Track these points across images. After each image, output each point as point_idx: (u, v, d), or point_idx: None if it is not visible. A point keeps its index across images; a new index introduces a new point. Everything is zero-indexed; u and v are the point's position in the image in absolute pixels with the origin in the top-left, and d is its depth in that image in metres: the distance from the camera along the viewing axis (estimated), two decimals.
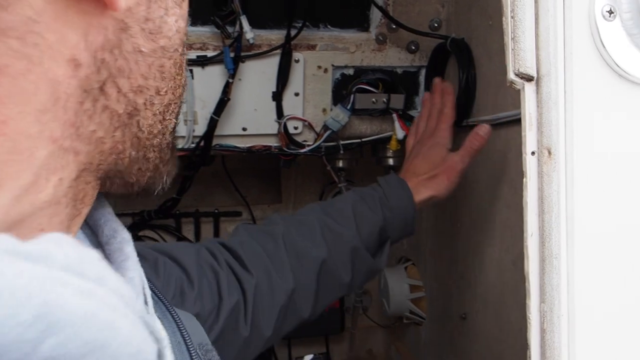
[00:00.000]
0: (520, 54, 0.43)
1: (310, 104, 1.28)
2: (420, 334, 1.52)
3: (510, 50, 0.43)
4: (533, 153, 0.44)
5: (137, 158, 0.39)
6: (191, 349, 0.44)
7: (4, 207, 0.29)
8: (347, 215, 0.99)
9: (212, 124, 1.22)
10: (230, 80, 1.18)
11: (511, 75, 0.43)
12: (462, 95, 1.15)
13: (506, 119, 0.99)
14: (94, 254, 0.29)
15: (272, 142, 1.29)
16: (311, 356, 1.74)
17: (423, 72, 1.32)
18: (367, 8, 1.25)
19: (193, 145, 1.25)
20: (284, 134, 1.27)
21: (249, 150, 1.28)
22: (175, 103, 0.41)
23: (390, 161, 1.45)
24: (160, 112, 0.39)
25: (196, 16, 1.18)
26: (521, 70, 0.43)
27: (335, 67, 1.27)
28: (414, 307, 1.51)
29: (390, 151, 1.38)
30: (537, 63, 0.43)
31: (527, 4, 0.42)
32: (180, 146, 1.25)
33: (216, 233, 1.70)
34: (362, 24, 1.27)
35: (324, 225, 0.97)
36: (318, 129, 1.29)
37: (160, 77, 0.37)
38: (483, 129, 1.01)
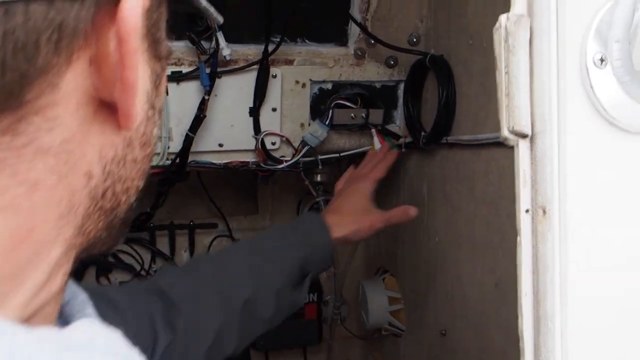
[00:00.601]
0: (515, 112, 0.42)
1: (288, 119, 1.26)
2: (399, 345, 1.52)
3: (504, 106, 0.42)
4: (527, 211, 0.43)
5: (105, 237, 0.44)
6: None
7: (23, 304, 0.33)
8: (271, 254, 1.02)
9: (188, 141, 1.19)
10: (207, 97, 1.16)
11: (505, 132, 0.42)
12: (442, 112, 1.14)
13: (486, 141, 0.98)
14: (117, 334, 0.35)
15: (250, 158, 1.27)
16: None
17: (402, 86, 1.31)
18: (346, 23, 1.24)
19: (168, 162, 1.22)
20: (262, 150, 1.25)
21: (226, 166, 1.26)
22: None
23: None
24: (133, 202, 0.45)
25: (171, 31, 1.14)
26: (516, 128, 0.42)
27: (313, 82, 1.26)
28: (393, 319, 1.51)
29: None
30: (532, 120, 0.42)
31: (522, 59, 0.41)
32: (155, 163, 1.22)
33: (191, 245, 1.67)
34: (341, 39, 1.25)
35: (249, 265, 1.00)
36: (296, 144, 1.27)
37: (142, 178, 0.43)
38: (413, 211, 1.14)
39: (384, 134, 1.29)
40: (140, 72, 0.37)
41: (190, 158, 1.24)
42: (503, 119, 0.42)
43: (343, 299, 1.75)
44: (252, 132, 1.24)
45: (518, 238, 0.43)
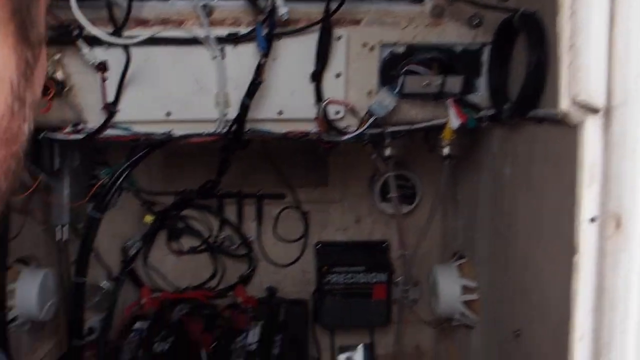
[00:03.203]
0: (582, 74, 0.28)
1: (354, 86, 1.15)
2: (471, 339, 1.38)
3: (565, 66, 0.29)
4: (593, 220, 0.30)
5: None
6: None
7: None
8: None
9: (244, 107, 1.11)
10: (263, 61, 1.07)
11: (565, 104, 0.29)
12: (530, 79, 0.98)
13: None
14: None
15: (311, 128, 1.17)
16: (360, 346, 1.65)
17: (486, 50, 1.14)
18: None
19: (225, 130, 1.15)
20: (324, 119, 1.15)
21: (285, 136, 1.17)
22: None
23: (446, 150, 1.30)
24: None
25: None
26: (581, 98, 0.29)
27: (384, 45, 1.12)
28: (466, 309, 1.37)
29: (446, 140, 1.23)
30: (609, 88, 0.29)
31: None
32: (212, 130, 1.16)
33: (259, 215, 1.62)
34: None
35: None
36: (362, 114, 1.15)
37: (8, 179, 0.39)
38: None
39: (463, 105, 1.14)
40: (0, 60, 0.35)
41: (249, 126, 1.16)
42: (562, 85, 0.29)
43: (415, 281, 1.63)
44: (313, 99, 1.14)
45: (575, 257, 0.30)
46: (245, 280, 1.63)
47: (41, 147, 1.30)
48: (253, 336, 1.38)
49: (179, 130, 1.17)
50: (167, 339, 1.33)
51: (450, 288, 1.37)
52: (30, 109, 0.40)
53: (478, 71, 1.16)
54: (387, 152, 1.27)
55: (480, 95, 1.16)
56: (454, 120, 1.12)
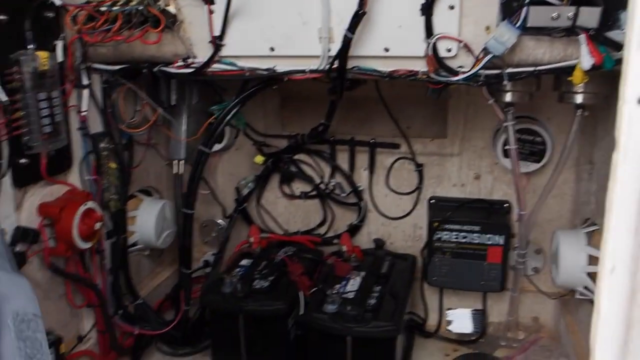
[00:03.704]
0: None
1: (469, 20, 1.03)
2: None
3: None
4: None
5: None
6: None
7: None
8: None
9: (346, 42, 1.05)
10: None
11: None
12: None
13: None
14: None
15: (420, 67, 1.08)
16: (468, 311, 1.56)
17: None
18: None
19: (327, 67, 1.10)
20: (434, 57, 1.04)
21: (391, 75, 1.09)
22: None
23: (578, 98, 1.13)
24: None
25: None
26: None
27: None
28: (591, 282, 1.21)
29: (579, 86, 1.07)
30: None
31: None
32: (314, 67, 1.12)
33: (371, 164, 1.56)
34: None
35: None
36: (478, 52, 1.03)
37: None
38: None
39: (600, 42, 0.96)
40: None
41: (353, 63, 1.10)
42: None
43: (537, 249, 1.48)
44: (423, 35, 1.04)
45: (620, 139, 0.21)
46: (353, 229, 1.60)
47: (159, 83, 1.35)
48: (352, 285, 1.35)
49: (282, 67, 1.14)
50: (267, 278, 1.35)
51: (573, 256, 1.22)
52: None
53: (623, 1, 0.97)
54: (507, 97, 1.14)
55: (623, 31, 0.98)
56: (586, 60, 0.95)
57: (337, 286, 1.34)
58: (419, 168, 1.53)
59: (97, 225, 1.18)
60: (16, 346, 0.44)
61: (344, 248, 1.50)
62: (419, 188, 1.55)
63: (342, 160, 1.59)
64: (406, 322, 1.43)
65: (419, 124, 1.52)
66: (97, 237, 1.23)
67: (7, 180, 1.05)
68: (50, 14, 1.11)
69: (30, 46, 1.06)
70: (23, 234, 1.07)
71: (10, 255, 0.80)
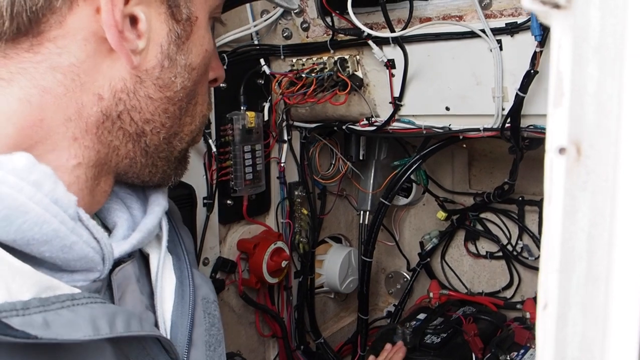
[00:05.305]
0: None
1: None
2: None
3: None
4: (561, 151, 0.21)
5: (147, 164, 0.56)
6: (191, 296, 0.59)
7: (31, 159, 0.45)
8: None
9: (518, 100, 1.05)
10: (538, 50, 0.99)
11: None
12: None
13: None
14: (46, 169, 0.44)
15: None
16: None
17: None
18: None
19: (500, 125, 1.11)
20: None
21: None
22: (184, 133, 0.58)
23: None
24: (165, 138, 0.55)
25: None
26: None
27: None
28: None
29: None
30: None
31: None
32: (488, 125, 1.13)
33: None
34: None
35: None
36: None
37: (164, 116, 0.54)
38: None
39: None
40: (154, 29, 0.50)
41: (528, 122, 1.09)
42: None
43: None
44: None
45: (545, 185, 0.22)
46: None
47: (350, 139, 1.49)
48: (531, 356, 1.27)
49: (456, 125, 1.18)
50: (439, 334, 1.35)
51: None
52: (184, 70, 0.54)
53: None
54: None
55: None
56: None
57: (514, 354, 1.27)
58: None
59: (284, 264, 1.33)
60: (202, 317, 0.60)
61: (527, 314, 1.42)
62: None
63: (531, 222, 1.52)
64: None
65: None
66: (284, 274, 1.38)
67: (215, 217, 1.26)
68: (261, 81, 1.33)
69: (243, 107, 1.28)
70: (223, 264, 1.27)
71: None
